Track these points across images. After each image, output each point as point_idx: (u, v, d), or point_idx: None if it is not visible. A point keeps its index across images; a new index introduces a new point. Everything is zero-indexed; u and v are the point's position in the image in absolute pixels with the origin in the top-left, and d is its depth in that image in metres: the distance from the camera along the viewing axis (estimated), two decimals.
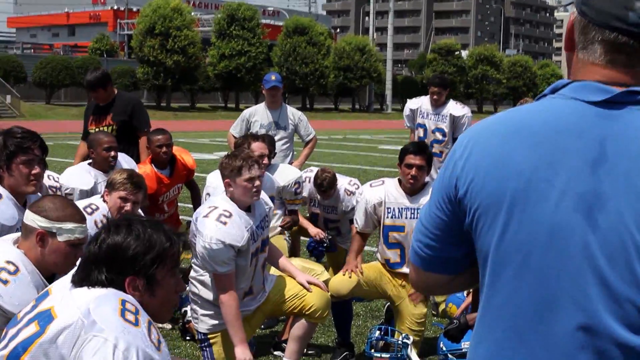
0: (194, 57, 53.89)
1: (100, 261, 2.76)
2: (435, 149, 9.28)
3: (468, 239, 1.96)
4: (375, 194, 6.31)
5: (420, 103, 9.71)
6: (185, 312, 6.79)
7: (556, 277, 1.78)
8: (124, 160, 7.07)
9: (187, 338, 6.77)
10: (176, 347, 6.48)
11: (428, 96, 9.69)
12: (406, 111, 9.90)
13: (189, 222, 7.96)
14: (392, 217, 6.25)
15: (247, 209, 5.38)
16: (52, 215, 3.82)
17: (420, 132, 9.60)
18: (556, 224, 1.78)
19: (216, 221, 5.17)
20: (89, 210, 5.28)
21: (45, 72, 51.66)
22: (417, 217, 6.12)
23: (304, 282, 5.63)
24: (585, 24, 1.88)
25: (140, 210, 5.78)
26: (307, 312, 5.59)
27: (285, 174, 7.26)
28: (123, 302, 2.66)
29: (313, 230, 7.64)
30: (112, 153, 6.84)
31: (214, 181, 6.47)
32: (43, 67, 51.93)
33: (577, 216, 1.77)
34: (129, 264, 2.75)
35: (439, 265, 2.07)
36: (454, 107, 9.58)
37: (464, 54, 76.51)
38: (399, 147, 9.33)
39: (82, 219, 4.09)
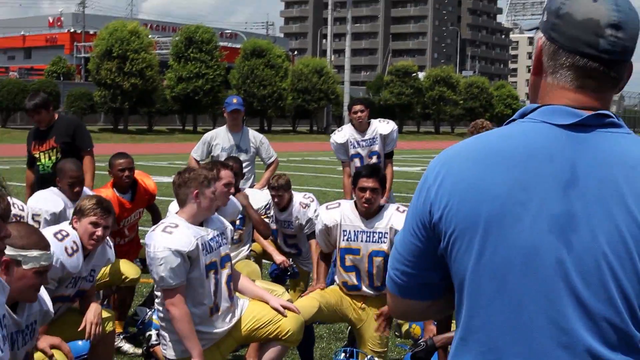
0: (152, 79, 53.63)
1: None
2: None
3: (443, 264, 1.98)
4: (331, 216, 6.36)
5: (346, 135, 9.55)
6: (150, 335, 6.74)
7: (533, 298, 1.82)
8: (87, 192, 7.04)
9: None
10: None
11: (349, 126, 9.63)
12: (334, 146, 9.65)
13: None
14: (347, 240, 6.29)
15: (200, 224, 5.46)
16: (17, 243, 3.80)
17: (357, 162, 9.42)
18: (531, 246, 1.82)
19: (162, 232, 5.27)
20: (59, 236, 5.22)
21: (0, 95, 51.12)
22: (372, 241, 6.18)
23: (279, 306, 5.63)
24: (554, 49, 1.92)
25: None
26: (283, 337, 5.60)
27: (255, 199, 7.29)
28: None
29: (278, 258, 7.67)
30: (77, 189, 6.85)
31: (174, 210, 6.44)
32: None
33: (551, 238, 1.81)
34: None
35: (415, 292, 2.08)
36: (380, 126, 9.52)
37: (421, 75, 76.90)
38: (343, 190, 9.43)
39: (46, 246, 4.07)
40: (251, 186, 8.84)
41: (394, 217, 6.21)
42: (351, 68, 67.76)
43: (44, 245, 4.02)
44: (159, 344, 6.32)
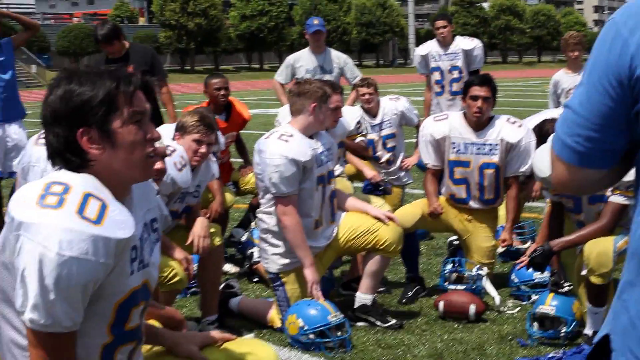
0: (216, 19, 53.63)
1: (48, 122, 2.48)
2: (455, 87, 9.12)
3: (631, 126, 1.83)
4: (439, 128, 6.16)
5: (429, 48, 9.49)
6: (252, 253, 6.72)
7: None
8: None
9: (255, 280, 6.71)
10: (244, 290, 6.42)
11: (434, 40, 9.54)
12: (417, 58, 9.68)
13: (240, 167, 7.88)
14: (457, 152, 6.11)
15: (310, 137, 5.41)
16: None
17: (436, 76, 9.38)
18: None
19: (278, 139, 5.24)
20: (167, 152, 5.11)
21: (67, 40, 51.76)
22: (483, 153, 5.99)
23: (380, 215, 5.51)
24: None
25: None
26: (381, 247, 5.49)
27: (345, 117, 7.14)
28: (48, 185, 2.37)
29: (369, 172, 7.51)
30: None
31: (286, 115, 6.29)
32: (65, 36, 52.00)
33: None
34: (74, 114, 2.43)
35: (597, 159, 1.90)
36: (463, 42, 9.44)
37: (486, 5, 75.74)
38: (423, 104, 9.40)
39: None
40: None
41: (505, 129, 6.00)
42: (414, 1, 66.97)
43: None
44: (260, 261, 6.29)
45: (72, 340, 2.39)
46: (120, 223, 2.38)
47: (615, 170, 1.95)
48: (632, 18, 1.80)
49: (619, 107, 1.83)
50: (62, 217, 2.29)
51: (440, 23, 9.34)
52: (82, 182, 2.41)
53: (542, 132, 5.63)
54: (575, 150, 1.91)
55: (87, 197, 2.36)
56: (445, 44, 9.34)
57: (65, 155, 2.47)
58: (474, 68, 9.35)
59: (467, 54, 9.31)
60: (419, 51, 9.64)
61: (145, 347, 2.98)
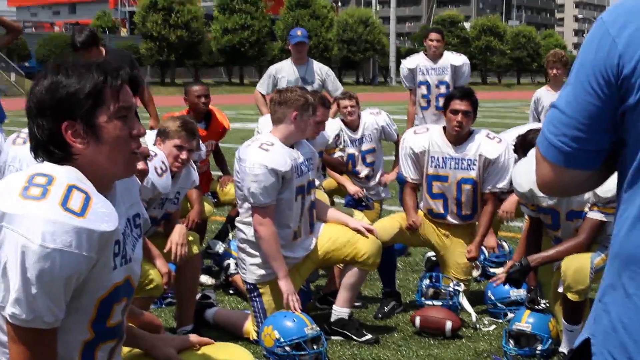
0: (197, 32, 53.58)
1: (33, 114, 2.45)
2: (441, 102, 9.06)
3: (617, 126, 1.84)
4: (419, 142, 6.16)
5: (417, 61, 9.47)
6: (228, 265, 6.69)
7: None
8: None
9: (231, 292, 6.68)
10: (220, 302, 6.38)
11: (421, 54, 9.55)
12: (404, 71, 9.61)
13: (219, 177, 7.85)
14: (435, 167, 6.11)
15: (290, 147, 5.38)
16: None
17: (423, 90, 9.38)
18: None
19: (259, 148, 5.20)
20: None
21: (48, 49, 51.59)
22: (461, 168, 5.99)
23: (360, 227, 5.50)
24: None
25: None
26: (359, 260, 5.47)
27: (325, 129, 7.13)
28: (31, 177, 2.33)
29: (352, 188, 7.49)
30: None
31: (266, 125, 6.29)
32: (46, 45, 51.85)
33: None
34: (60, 107, 2.41)
35: (583, 159, 1.91)
36: (452, 57, 9.45)
37: (467, 25, 76.12)
38: (407, 117, 9.42)
39: None
40: None
41: (484, 144, 6.01)
42: (396, 19, 67.18)
43: None
44: (237, 273, 6.26)
45: (53, 337, 2.36)
46: (104, 216, 2.35)
47: (600, 171, 1.96)
48: (621, 17, 1.82)
49: (605, 107, 1.84)
50: (45, 208, 2.26)
51: (434, 36, 9.35)
52: (66, 174, 2.38)
53: (525, 142, 5.63)
54: (561, 151, 1.92)
55: (70, 189, 2.33)
56: (434, 57, 9.35)
57: (49, 147, 2.45)
58: (460, 84, 9.36)
59: (456, 69, 9.33)
60: (406, 64, 9.58)
61: (124, 350, 2.96)
